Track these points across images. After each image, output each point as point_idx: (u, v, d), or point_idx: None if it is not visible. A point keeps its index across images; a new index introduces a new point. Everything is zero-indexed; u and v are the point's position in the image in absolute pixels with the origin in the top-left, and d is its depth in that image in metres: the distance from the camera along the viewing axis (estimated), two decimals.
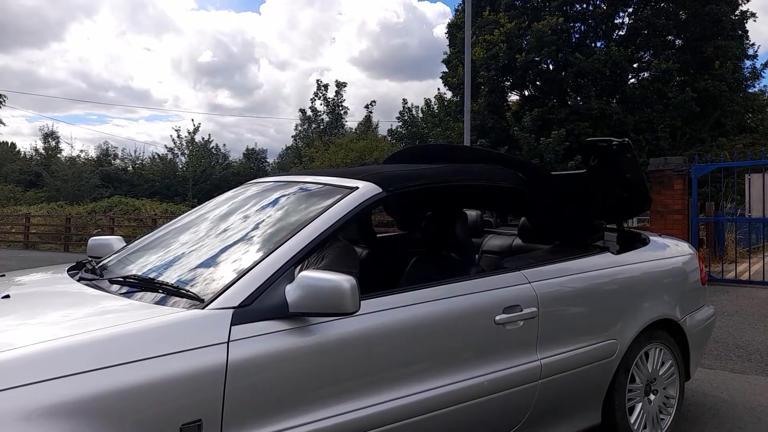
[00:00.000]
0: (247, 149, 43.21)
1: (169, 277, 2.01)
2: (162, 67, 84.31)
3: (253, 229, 2.24)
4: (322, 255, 2.76)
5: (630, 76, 20.92)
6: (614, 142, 2.87)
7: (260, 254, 1.93)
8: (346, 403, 1.84)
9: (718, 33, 19.76)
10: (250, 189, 2.77)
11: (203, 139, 38.81)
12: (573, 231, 2.96)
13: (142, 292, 1.91)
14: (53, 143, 42.08)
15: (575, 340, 2.53)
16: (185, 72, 78.29)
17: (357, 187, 2.23)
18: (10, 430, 1.34)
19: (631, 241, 3.10)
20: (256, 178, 3.45)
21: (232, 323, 1.70)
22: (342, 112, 29.72)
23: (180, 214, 3.09)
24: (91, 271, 2.31)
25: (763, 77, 22.90)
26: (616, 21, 21.48)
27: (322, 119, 29.80)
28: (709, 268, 9.00)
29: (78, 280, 2.21)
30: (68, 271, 2.44)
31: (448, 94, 23.47)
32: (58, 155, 40.27)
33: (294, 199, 2.41)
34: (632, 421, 2.79)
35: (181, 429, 1.55)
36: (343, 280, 1.74)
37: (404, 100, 28.06)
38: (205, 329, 1.67)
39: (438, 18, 74.06)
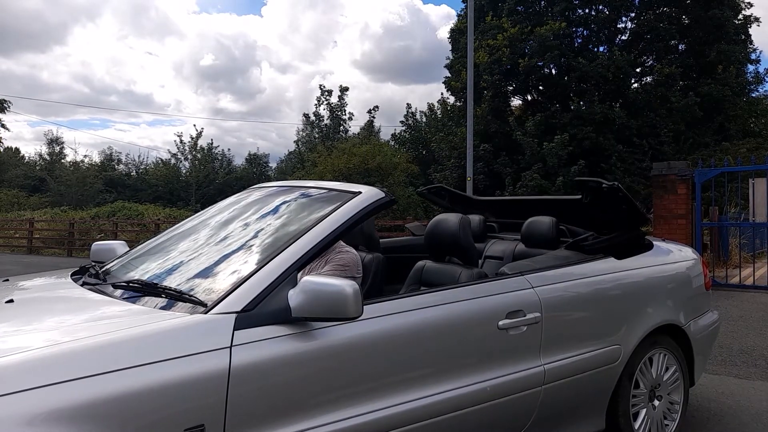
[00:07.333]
0: (250, 154, 43.23)
1: (172, 281, 2.02)
2: (164, 71, 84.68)
3: (256, 234, 2.24)
4: (325, 260, 2.77)
5: (633, 81, 20.88)
6: (604, 185, 2.92)
7: (263, 259, 1.93)
8: (348, 408, 1.84)
9: (721, 37, 19.71)
10: (253, 194, 2.78)
11: (207, 144, 38.92)
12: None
13: (145, 297, 1.91)
14: (57, 148, 42.32)
15: (579, 345, 2.53)
16: (187, 76, 78.57)
17: (360, 192, 2.23)
18: None
19: (634, 246, 3.09)
20: (258, 183, 3.45)
21: (235, 328, 1.70)
22: (346, 117, 29.59)
23: (183, 219, 3.09)
24: (94, 276, 2.31)
25: (767, 81, 22.81)
26: (618, 26, 21.45)
27: (325, 124, 29.69)
28: (713, 273, 8.97)
29: (81, 285, 2.21)
30: (72, 275, 2.45)
31: (451, 99, 23.48)
32: (62, 160, 40.42)
33: (296, 205, 2.41)
34: (636, 426, 2.78)
35: None
36: (345, 285, 1.74)
37: (408, 104, 28.06)
38: (207, 334, 1.67)
39: (442, 20, 74.09)
